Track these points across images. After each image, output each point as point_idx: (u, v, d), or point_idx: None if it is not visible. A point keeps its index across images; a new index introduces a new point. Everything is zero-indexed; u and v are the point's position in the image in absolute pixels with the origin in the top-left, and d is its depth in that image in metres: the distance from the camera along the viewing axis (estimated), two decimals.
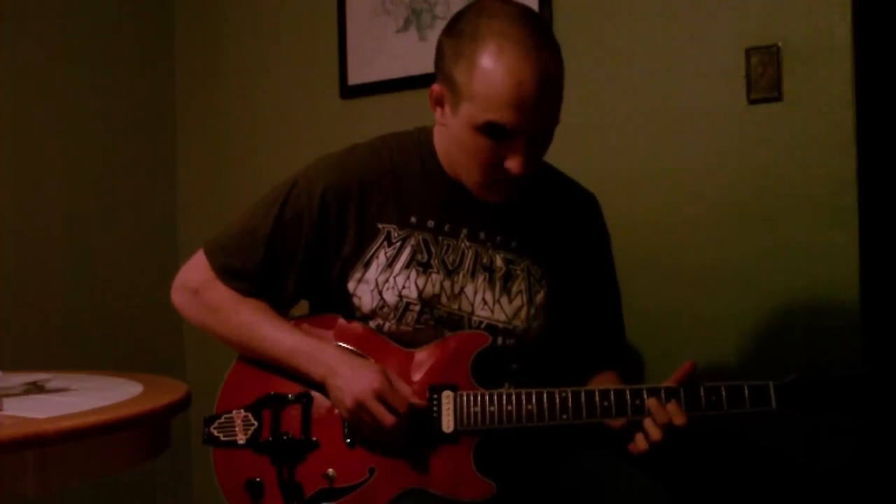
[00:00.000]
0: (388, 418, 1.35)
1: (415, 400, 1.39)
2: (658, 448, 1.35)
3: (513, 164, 1.35)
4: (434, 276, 1.46)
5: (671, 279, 1.94)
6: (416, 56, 2.25)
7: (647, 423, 1.34)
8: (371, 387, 1.36)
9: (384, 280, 1.46)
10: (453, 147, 1.42)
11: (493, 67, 1.30)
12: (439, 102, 1.42)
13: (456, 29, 1.38)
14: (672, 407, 1.34)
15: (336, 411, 1.42)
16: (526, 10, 1.37)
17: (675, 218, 1.94)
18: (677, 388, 1.35)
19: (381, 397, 1.36)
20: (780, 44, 1.82)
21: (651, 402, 1.34)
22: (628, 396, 1.36)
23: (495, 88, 1.30)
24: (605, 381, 1.52)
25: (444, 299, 1.46)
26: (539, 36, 1.32)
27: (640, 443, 1.36)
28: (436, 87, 1.42)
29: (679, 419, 1.33)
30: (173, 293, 1.55)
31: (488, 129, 1.33)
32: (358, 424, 1.39)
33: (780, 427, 1.76)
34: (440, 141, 1.49)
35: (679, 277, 1.94)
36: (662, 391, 1.35)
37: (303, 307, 1.58)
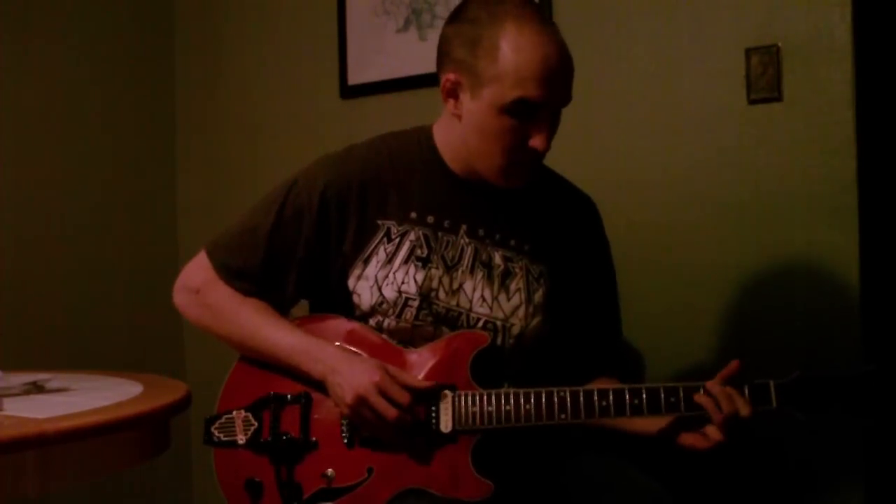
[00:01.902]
0: (390, 412, 1.35)
1: (421, 384, 1.39)
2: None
3: (538, 140, 1.38)
4: (433, 271, 1.46)
5: (671, 279, 1.94)
6: (416, 56, 2.24)
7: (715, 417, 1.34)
8: (372, 380, 1.35)
9: (384, 276, 1.46)
10: (472, 135, 1.43)
11: (518, 46, 1.35)
12: (452, 93, 1.43)
13: (464, 17, 1.41)
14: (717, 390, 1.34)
15: (335, 411, 1.42)
16: None
17: (674, 218, 1.94)
18: (676, 387, 1.36)
19: (381, 391, 1.36)
20: (780, 44, 1.82)
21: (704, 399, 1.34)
22: (627, 397, 1.36)
23: (524, 65, 1.34)
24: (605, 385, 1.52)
25: (441, 294, 1.46)
26: (543, 15, 1.44)
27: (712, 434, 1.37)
28: (450, 76, 1.42)
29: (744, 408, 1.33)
30: (175, 294, 1.55)
31: (516, 107, 1.36)
32: (359, 421, 1.39)
33: (782, 427, 1.76)
34: (444, 136, 1.49)
35: (679, 277, 1.93)
36: (662, 389, 1.35)
37: (303, 307, 1.58)
